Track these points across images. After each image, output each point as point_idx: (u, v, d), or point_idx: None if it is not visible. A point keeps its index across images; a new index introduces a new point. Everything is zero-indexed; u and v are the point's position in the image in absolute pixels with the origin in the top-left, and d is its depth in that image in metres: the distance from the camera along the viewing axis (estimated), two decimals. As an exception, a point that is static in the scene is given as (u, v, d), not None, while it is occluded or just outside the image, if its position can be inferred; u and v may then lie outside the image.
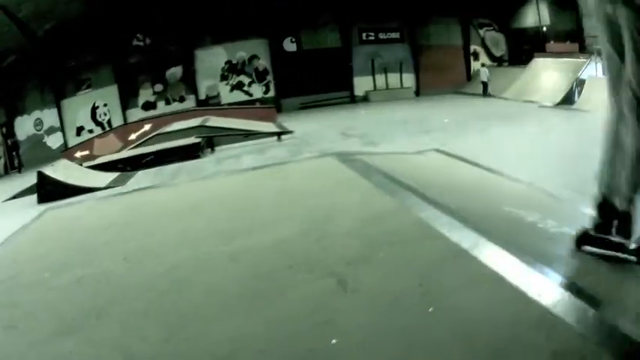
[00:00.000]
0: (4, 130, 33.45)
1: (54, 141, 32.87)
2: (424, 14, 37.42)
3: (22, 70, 31.39)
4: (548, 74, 30.74)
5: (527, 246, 4.87)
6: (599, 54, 28.00)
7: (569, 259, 4.72)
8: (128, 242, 6.35)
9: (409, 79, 38.51)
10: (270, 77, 36.57)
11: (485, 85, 35.43)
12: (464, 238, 4.81)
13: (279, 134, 22.84)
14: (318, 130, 24.69)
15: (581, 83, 27.32)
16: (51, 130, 32.85)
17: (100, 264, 5.76)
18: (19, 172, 31.29)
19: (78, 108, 33.58)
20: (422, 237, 5.00)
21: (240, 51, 35.97)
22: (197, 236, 6.00)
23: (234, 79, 36.14)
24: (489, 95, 34.24)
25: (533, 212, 6.43)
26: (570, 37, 32.12)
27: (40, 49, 30.88)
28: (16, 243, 7.46)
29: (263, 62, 36.43)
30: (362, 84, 37.79)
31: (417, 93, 38.20)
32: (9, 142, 33.23)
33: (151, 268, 5.47)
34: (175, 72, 35.23)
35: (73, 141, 32.60)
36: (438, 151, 13.61)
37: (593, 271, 4.43)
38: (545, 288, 3.92)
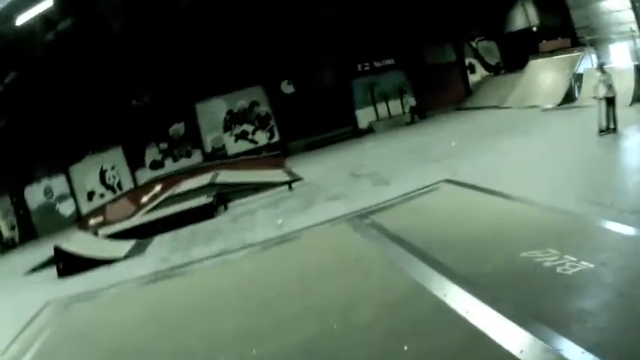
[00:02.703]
0: (14, 199, 33.80)
1: (66, 208, 33.17)
2: (417, 42, 37.60)
3: (28, 138, 31.88)
4: (545, 75, 30.66)
5: (545, 310, 5.18)
6: (591, 44, 28.15)
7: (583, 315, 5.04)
8: (160, 345, 6.63)
9: (410, 104, 38.53)
10: (272, 122, 36.84)
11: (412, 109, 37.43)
12: (482, 317, 5.16)
13: (289, 183, 22.95)
14: (326, 173, 24.87)
15: (579, 78, 27.09)
16: (62, 198, 33.23)
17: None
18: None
19: (86, 173, 34.01)
20: (442, 323, 5.34)
21: (240, 100, 36.33)
22: (228, 338, 6.28)
23: (238, 129, 36.40)
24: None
25: (550, 250, 6.74)
26: (561, 32, 31.80)
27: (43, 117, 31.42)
28: (49, 343, 7.70)
29: (264, 108, 36.72)
30: (364, 116, 37.83)
31: (420, 117, 38.15)
32: (21, 211, 33.59)
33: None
34: (178, 128, 35.62)
35: (85, 206, 32.99)
36: (449, 181, 13.91)
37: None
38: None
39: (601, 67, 20.06)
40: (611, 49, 27.65)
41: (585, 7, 28.47)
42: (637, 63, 23.71)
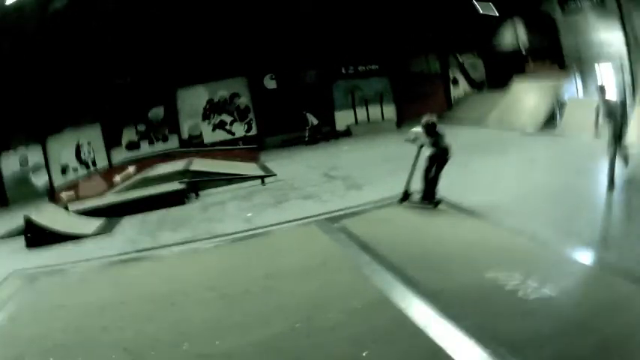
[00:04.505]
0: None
1: (39, 179, 32.75)
2: (403, 50, 37.48)
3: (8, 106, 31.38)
4: (528, 98, 30.31)
5: (503, 331, 5.32)
6: (579, 71, 27.85)
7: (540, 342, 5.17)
8: (125, 330, 6.68)
9: (390, 111, 38.50)
10: (251, 115, 36.75)
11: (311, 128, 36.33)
12: (442, 333, 5.27)
13: (262, 178, 22.98)
14: (301, 171, 24.87)
15: (562, 105, 26.96)
16: (36, 168, 32.74)
17: (102, 354, 6.07)
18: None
19: (62, 146, 33.52)
20: (402, 334, 5.45)
21: (221, 90, 36.21)
22: (192, 328, 6.33)
23: (216, 118, 36.24)
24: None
25: (514, 273, 6.89)
26: (550, 55, 31.63)
27: (24, 85, 30.94)
28: (14, 315, 7.69)
29: (244, 100, 36.62)
30: (343, 118, 37.77)
31: (399, 125, 38.03)
32: None
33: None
34: (158, 112, 35.43)
35: (58, 179, 32.56)
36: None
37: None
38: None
39: (427, 127, 14.92)
40: (598, 77, 27.46)
41: (576, 34, 28.20)
42: (622, 99, 23.30)
